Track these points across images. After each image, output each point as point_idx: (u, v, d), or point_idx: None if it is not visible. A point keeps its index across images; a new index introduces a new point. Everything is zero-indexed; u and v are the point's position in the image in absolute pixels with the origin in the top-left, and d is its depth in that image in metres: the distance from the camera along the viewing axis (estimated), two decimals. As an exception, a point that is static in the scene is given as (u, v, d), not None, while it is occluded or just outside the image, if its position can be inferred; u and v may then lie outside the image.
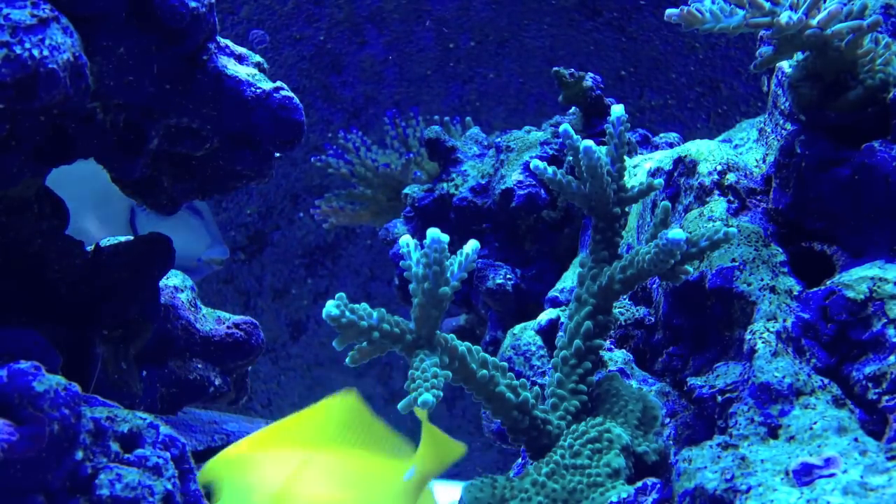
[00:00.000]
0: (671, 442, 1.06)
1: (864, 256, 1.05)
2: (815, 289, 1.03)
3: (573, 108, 1.73)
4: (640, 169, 1.38)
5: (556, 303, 1.41)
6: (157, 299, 1.35)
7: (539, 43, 2.63)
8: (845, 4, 1.01)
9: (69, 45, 0.94)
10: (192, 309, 1.50)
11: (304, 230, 2.80)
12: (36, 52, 0.90)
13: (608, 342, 1.21)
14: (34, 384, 0.83)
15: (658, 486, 0.89)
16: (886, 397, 0.92)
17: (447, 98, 2.70)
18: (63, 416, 0.84)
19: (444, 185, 1.77)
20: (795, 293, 1.04)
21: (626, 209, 1.04)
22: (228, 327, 1.52)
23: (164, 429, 0.95)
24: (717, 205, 1.17)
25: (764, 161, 1.22)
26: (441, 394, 0.82)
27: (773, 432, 0.91)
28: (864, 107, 1.06)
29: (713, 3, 1.04)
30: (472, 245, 0.91)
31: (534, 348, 1.32)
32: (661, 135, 1.71)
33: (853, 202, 1.06)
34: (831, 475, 0.81)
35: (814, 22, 1.00)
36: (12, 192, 1.14)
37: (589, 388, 1.00)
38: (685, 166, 1.25)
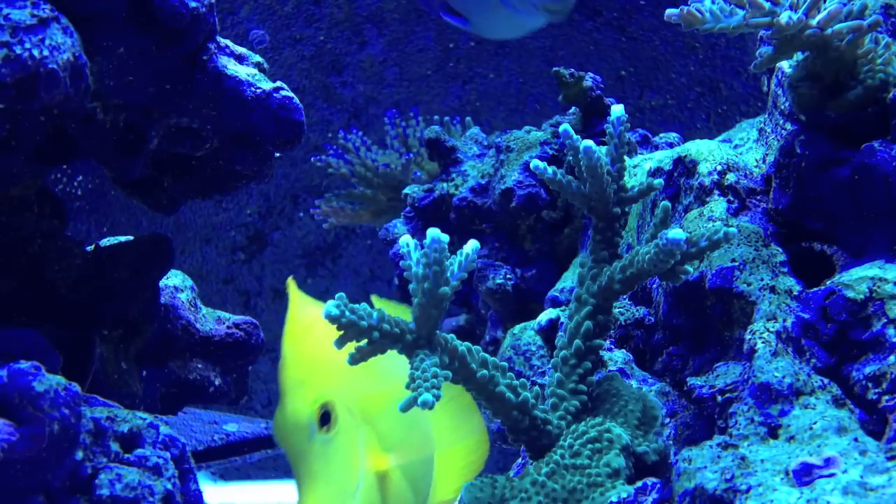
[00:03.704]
0: (671, 442, 1.06)
1: (864, 256, 1.05)
2: (815, 289, 1.03)
3: (573, 108, 1.73)
4: (640, 169, 1.38)
5: (556, 303, 1.41)
6: (157, 299, 1.35)
7: (539, 43, 2.63)
8: (845, 4, 1.02)
9: (69, 45, 0.94)
10: (192, 309, 1.50)
11: (304, 230, 2.80)
12: (36, 52, 0.90)
13: (608, 342, 1.21)
14: (34, 384, 0.83)
15: (658, 486, 0.89)
16: (886, 397, 0.92)
17: (447, 98, 2.70)
18: (63, 416, 0.84)
19: (444, 185, 1.77)
20: (795, 293, 1.04)
21: (626, 209, 1.04)
22: (228, 327, 1.52)
23: (164, 429, 0.95)
24: (717, 205, 1.17)
25: (764, 161, 1.22)
26: (441, 394, 0.82)
27: (773, 432, 0.91)
28: (864, 107, 1.06)
29: (713, 3, 1.04)
30: (472, 245, 0.91)
31: (534, 348, 1.32)
32: (661, 135, 1.71)
33: (853, 202, 1.06)
34: (831, 475, 0.81)
35: (814, 22, 1.00)
36: (12, 192, 1.14)
37: (589, 388, 1.00)
38: (685, 166, 1.25)
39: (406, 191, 1.83)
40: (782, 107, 1.16)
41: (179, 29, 1.07)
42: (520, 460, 1.14)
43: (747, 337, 1.02)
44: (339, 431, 0.89)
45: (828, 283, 1.03)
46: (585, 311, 1.01)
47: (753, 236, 1.11)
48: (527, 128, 1.76)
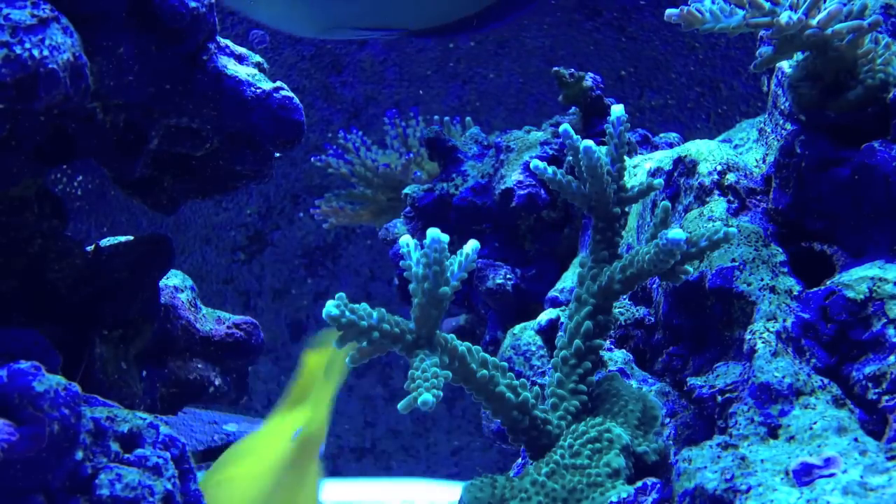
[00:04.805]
0: (671, 442, 1.06)
1: (864, 256, 1.05)
2: (815, 289, 1.03)
3: (573, 108, 1.73)
4: (640, 169, 1.38)
5: (556, 303, 1.41)
6: (157, 299, 1.35)
7: (539, 43, 2.63)
8: (845, 4, 1.02)
9: (69, 45, 0.94)
10: (192, 309, 1.50)
11: (304, 230, 2.80)
12: (36, 53, 0.90)
13: (608, 342, 1.21)
14: (34, 384, 0.83)
15: (658, 486, 0.89)
16: (886, 397, 0.92)
17: (447, 98, 2.70)
18: (63, 416, 0.84)
19: (444, 185, 1.78)
20: (795, 293, 1.04)
21: (626, 209, 1.04)
22: (228, 327, 1.52)
23: (164, 429, 0.95)
24: (717, 205, 1.17)
25: (764, 161, 1.22)
26: (441, 394, 0.82)
27: (773, 432, 0.91)
28: (864, 107, 1.06)
29: (713, 3, 1.04)
30: (472, 245, 0.91)
31: (534, 348, 1.32)
32: (661, 135, 1.71)
33: (853, 202, 1.06)
34: (831, 475, 0.81)
35: (814, 22, 1.01)
36: (12, 192, 1.14)
37: (589, 388, 1.00)
38: (685, 166, 1.25)
39: (406, 191, 1.83)
40: (782, 107, 1.16)
41: (179, 29, 1.07)
42: (520, 460, 1.14)
43: (747, 337, 1.02)
44: None
45: (828, 283, 1.03)
46: (585, 311, 1.01)
47: (753, 236, 1.11)
48: (527, 128, 1.76)
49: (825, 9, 1.01)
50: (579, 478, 0.90)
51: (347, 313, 0.84)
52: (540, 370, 1.29)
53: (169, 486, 0.91)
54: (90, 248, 1.30)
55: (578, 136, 1.00)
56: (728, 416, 0.96)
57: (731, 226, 1.08)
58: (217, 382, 1.50)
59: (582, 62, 2.59)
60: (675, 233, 0.92)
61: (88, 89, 0.99)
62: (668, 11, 1.04)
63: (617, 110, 1.02)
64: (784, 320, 1.01)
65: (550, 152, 1.67)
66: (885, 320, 0.95)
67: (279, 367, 2.80)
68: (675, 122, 2.59)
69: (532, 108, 2.66)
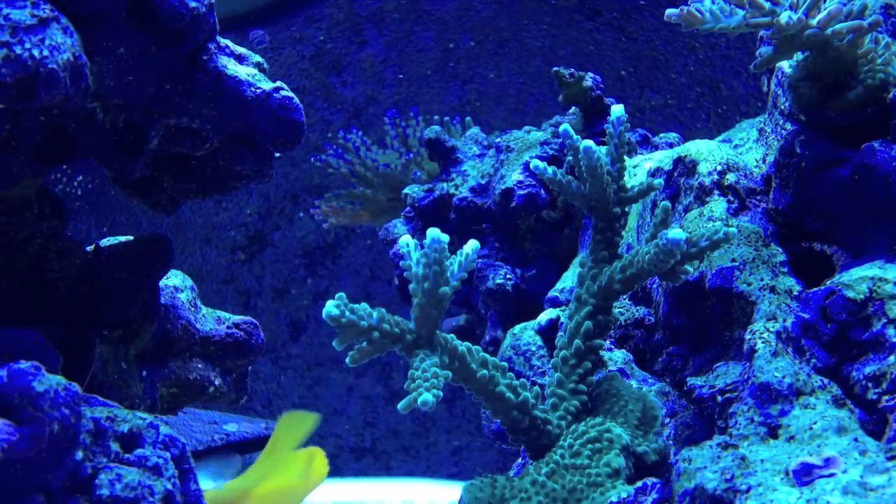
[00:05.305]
0: (671, 442, 1.06)
1: (864, 256, 1.05)
2: (815, 289, 1.03)
3: (573, 108, 1.73)
4: (640, 169, 1.38)
5: (556, 303, 1.41)
6: (157, 299, 1.35)
7: (539, 43, 2.63)
8: (845, 4, 1.02)
9: (69, 45, 0.94)
10: (192, 309, 1.50)
11: (304, 230, 2.80)
12: (36, 52, 0.90)
13: (608, 342, 1.21)
14: (34, 384, 0.83)
15: (658, 485, 0.89)
16: (886, 397, 0.92)
17: (447, 98, 2.70)
18: (63, 416, 0.84)
19: (444, 185, 1.78)
20: (795, 293, 1.04)
21: (626, 209, 1.04)
22: (228, 327, 1.52)
23: (164, 429, 0.95)
24: (717, 205, 1.17)
25: (764, 161, 1.22)
26: (441, 394, 0.82)
27: (773, 432, 0.91)
28: (864, 107, 1.06)
29: (713, 3, 1.04)
30: (471, 245, 0.91)
31: (534, 348, 1.32)
32: (661, 135, 1.71)
33: (853, 202, 1.06)
34: (831, 475, 0.81)
35: (814, 22, 1.01)
36: (12, 192, 1.14)
37: (589, 388, 1.00)
38: (685, 166, 1.25)
39: (406, 191, 1.83)
40: (782, 107, 1.16)
41: (179, 29, 1.07)
42: (520, 460, 1.14)
43: (747, 337, 1.02)
44: None
45: (828, 283, 1.03)
46: (585, 311, 1.01)
47: (753, 236, 1.11)
48: (527, 128, 1.76)
49: (825, 9, 1.01)
50: (579, 478, 0.90)
51: (347, 313, 0.84)
52: (540, 370, 1.29)
53: (169, 486, 0.91)
54: (90, 248, 1.30)
55: (578, 136, 1.00)
56: (728, 416, 0.96)
57: (731, 226, 1.08)
58: (217, 382, 1.50)
59: (582, 62, 2.59)
60: (675, 233, 0.92)
61: (88, 89, 0.99)
62: (668, 11, 1.04)
63: (617, 110, 1.02)
64: (784, 320, 1.01)
65: (550, 152, 1.67)
66: (885, 320, 0.95)
67: (279, 367, 2.80)
68: (675, 122, 2.59)
69: (532, 108, 2.66)
